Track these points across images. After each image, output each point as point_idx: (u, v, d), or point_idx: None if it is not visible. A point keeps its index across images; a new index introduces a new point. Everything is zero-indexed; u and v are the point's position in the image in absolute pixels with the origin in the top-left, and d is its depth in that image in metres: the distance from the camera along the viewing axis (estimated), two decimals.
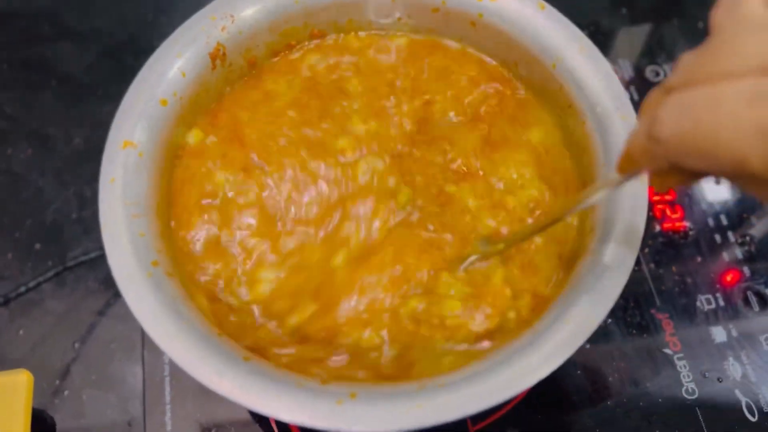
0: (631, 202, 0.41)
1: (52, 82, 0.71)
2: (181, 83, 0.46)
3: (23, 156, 0.67)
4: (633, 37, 0.72)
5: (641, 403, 0.52)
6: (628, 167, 0.31)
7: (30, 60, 0.73)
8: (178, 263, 0.43)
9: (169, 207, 0.45)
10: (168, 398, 0.54)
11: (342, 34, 0.52)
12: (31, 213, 0.64)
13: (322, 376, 0.38)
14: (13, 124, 0.69)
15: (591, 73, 0.45)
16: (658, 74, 0.68)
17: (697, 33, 0.72)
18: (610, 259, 0.40)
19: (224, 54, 0.48)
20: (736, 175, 0.24)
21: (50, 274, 0.59)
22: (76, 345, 0.58)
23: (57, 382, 0.56)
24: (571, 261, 0.43)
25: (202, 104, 0.48)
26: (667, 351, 0.54)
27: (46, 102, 0.70)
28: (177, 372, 0.55)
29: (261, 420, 0.53)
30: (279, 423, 0.52)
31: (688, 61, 0.26)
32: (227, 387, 0.36)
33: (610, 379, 0.53)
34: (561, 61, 0.46)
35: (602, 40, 0.46)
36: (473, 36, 0.50)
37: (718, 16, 0.26)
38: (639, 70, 0.68)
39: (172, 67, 0.46)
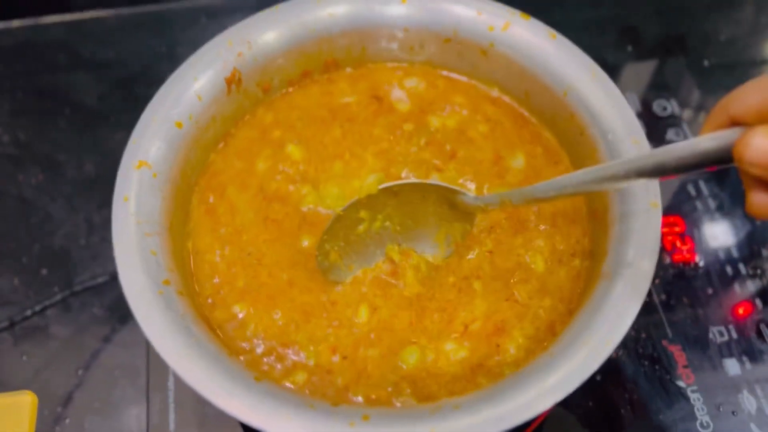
0: (644, 225, 0.41)
1: (65, 110, 0.72)
2: (197, 106, 0.47)
3: (34, 181, 0.67)
4: (639, 72, 0.73)
5: None
6: (732, 113, 0.27)
7: (44, 88, 0.74)
8: (189, 284, 0.43)
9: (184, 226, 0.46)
10: (172, 427, 0.53)
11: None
12: (39, 238, 0.64)
13: (333, 398, 0.38)
14: (25, 151, 0.69)
15: (603, 100, 0.46)
16: (665, 108, 0.69)
17: (702, 69, 0.73)
18: (623, 282, 0.39)
19: (240, 80, 0.48)
20: None
21: (56, 299, 0.59)
22: (80, 372, 0.57)
23: (59, 408, 0.55)
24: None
25: (217, 129, 0.49)
26: (680, 383, 0.53)
27: (59, 129, 0.71)
28: (182, 400, 0.54)
29: None
30: None
31: None
32: (237, 406, 0.35)
33: (622, 411, 0.52)
34: (572, 89, 0.47)
35: (609, 75, 0.47)
36: (484, 66, 0.51)
37: None
38: (646, 104, 0.69)
39: (188, 90, 0.46)
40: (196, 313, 0.40)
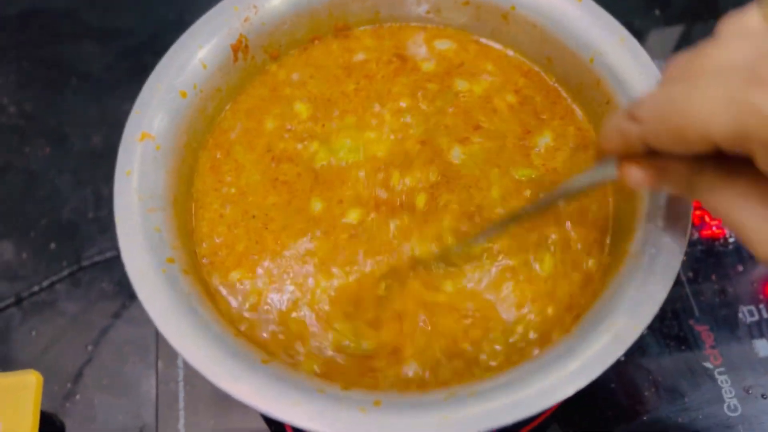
0: (674, 199, 0.38)
1: (71, 81, 0.70)
2: (201, 75, 0.44)
3: (41, 154, 0.66)
4: (666, 37, 0.70)
5: (680, 420, 0.49)
6: (603, 150, 0.33)
7: (50, 58, 0.72)
8: (194, 260, 0.41)
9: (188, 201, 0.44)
10: (182, 404, 0.52)
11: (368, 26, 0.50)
12: (47, 212, 0.62)
13: (344, 381, 0.36)
14: (31, 123, 0.68)
15: (631, 66, 0.43)
16: None
17: None
18: (651, 263, 0.37)
19: (246, 46, 0.46)
20: (698, 149, 0.27)
21: (64, 273, 0.58)
22: (89, 348, 0.56)
23: (68, 385, 0.54)
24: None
25: (222, 99, 0.46)
26: (708, 365, 0.51)
27: (66, 100, 0.69)
28: (191, 377, 0.53)
29: (277, 428, 0.51)
30: (297, 431, 0.50)
31: (680, 60, 0.29)
32: (243, 390, 0.34)
33: (646, 393, 0.50)
34: (600, 55, 0.44)
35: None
36: (505, 30, 0.48)
37: (722, 25, 0.29)
38: None
39: (193, 58, 0.44)
40: (202, 292, 0.39)
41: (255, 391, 0.34)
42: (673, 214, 0.38)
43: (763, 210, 0.27)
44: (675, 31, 0.71)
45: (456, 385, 0.36)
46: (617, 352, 0.35)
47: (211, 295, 0.40)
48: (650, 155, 0.30)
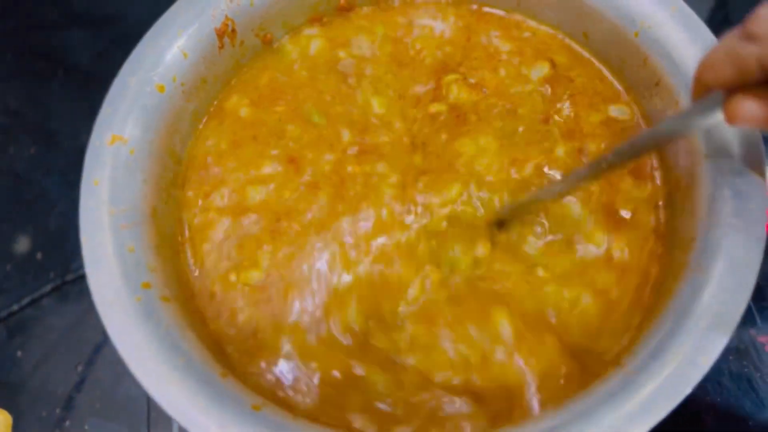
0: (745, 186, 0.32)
1: (58, 72, 0.65)
2: (182, 66, 0.39)
3: (26, 154, 0.61)
4: (699, 8, 0.62)
5: None
6: (707, 83, 0.27)
7: (36, 48, 0.67)
8: (181, 276, 0.36)
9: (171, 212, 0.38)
10: (176, 428, 0.47)
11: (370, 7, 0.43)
12: (33, 217, 0.58)
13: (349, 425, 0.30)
14: (16, 119, 0.63)
15: (685, 42, 0.36)
16: None
17: None
18: (721, 275, 0.31)
19: (234, 30, 0.40)
20: None
21: (51, 286, 0.53)
22: (80, 368, 0.51)
23: (57, 410, 0.50)
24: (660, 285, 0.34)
25: (209, 91, 0.41)
26: None
27: (53, 94, 0.64)
28: None
29: None
30: None
31: None
32: None
33: (703, 416, 0.44)
34: (647, 28, 0.37)
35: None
36: (533, 0, 0.42)
37: None
38: None
39: (171, 47, 0.38)
40: (185, 321, 0.33)
41: None
42: (745, 219, 0.31)
43: None
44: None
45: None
46: (683, 389, 0.29)
47: (198, 318, 0.35)
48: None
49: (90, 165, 0.35)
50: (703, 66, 0.27)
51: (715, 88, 0.27)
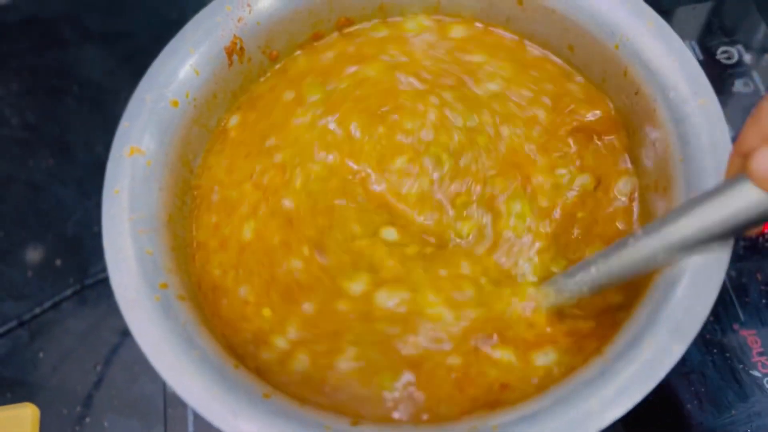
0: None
1: (73, 88, 0.68)
2: (194, 82, 0.41)
3: (44, 166, 0.64)
4: (697, 15, 0.65)
5: None
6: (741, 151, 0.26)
7: (51, 65, 0.69)
8: (193, 283, 0.39)
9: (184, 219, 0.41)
10: (191, 427, 0.49)
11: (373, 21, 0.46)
12: (51, 226, 0.60)
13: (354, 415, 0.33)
14: (34, 133, 0.66)
15: (661, 52, 0.39)
16: (730, 57, 0.60)
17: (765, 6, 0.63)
18: (693, 267, 0.33)
19: (242, 48, 0.43)
20: None
21: (70, 291, 0.56)
22: (98, 368, 0.54)
23: (78, 408, 0.52)
24: None
25: (219, 106, 0.44)
26: (756, 373, 0.47)
27: (68, 109, 0.67)
28: None
29: None
30: None
31: None
32: (244, 429, 0.31)
33: (688, 406, 0.46)
34: (625, 40, 0.40)
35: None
36: (521, 17, 0.44)
37: None
38: (709, 52, 0.61)
39: (183, 65, 0.41)
40: (198, 318, 0.36)
41: (256, 430, 0.31)
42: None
43: None
44: (706, 6, 0.65)
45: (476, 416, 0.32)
46: (657, 374, 0.31)
47: (206, 320, 0.38)
48: None
49: (111, 175, 0.38)
50: (749, 135, 0.26)
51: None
